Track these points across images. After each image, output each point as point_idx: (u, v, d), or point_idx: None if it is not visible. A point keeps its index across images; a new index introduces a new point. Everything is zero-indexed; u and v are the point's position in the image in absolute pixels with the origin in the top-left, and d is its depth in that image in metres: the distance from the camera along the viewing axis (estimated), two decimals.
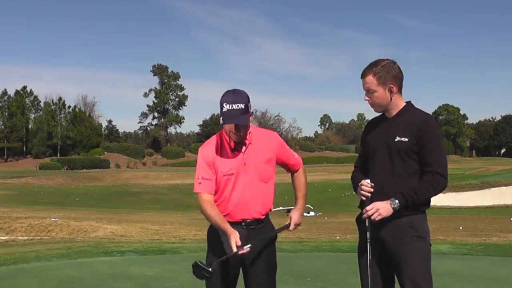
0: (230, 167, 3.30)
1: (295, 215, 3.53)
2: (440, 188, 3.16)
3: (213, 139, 3.43)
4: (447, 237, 12.27)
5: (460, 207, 31.57)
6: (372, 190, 3.23)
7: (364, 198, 3.26)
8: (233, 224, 3.33)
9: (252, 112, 3.31)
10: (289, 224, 3.49)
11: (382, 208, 3.12)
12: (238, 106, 3.17)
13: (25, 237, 15.66)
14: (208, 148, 3.40)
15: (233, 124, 3.19)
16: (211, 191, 3.34)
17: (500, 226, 17.97)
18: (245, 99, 3.21)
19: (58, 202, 35.04)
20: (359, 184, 3.29)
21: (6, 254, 9.27)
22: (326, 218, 25.11)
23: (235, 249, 3.16)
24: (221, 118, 3.20)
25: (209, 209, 3.30)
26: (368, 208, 3.16)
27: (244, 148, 3.34)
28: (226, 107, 3.17)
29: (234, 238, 3.16)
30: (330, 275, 6.88)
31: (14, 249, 10.37)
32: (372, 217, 3.14)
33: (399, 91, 3.28)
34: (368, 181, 3.26)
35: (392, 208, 3.11)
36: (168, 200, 38.97)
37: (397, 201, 3.11)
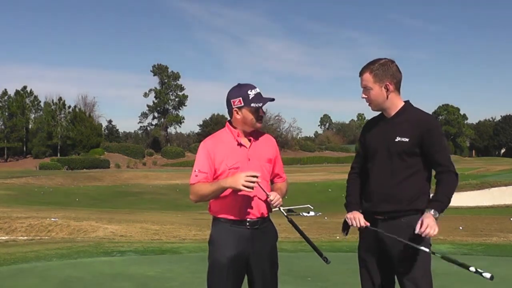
0: (236, 161, 3.32)
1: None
2: (456, 185, 3.19)
3: (219, 134, 3.46)
4: (447, 237, 12.27)
5: (460, 207, 31.55)
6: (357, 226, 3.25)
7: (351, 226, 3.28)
8: (237, 223, 3.32)
9: None
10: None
11: (433, 227, 3.00)
12: (258, 90, 3.36)
13: (25, 237, 15.67)
14: (212, 141, 3.42)
15: (261, 105, 3.32)
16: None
17: (500, 226, 17.98)
18: None
19: (58, 202, 35.06)
20: (351, 216, 3.27)
21: (6, 254, 9.27)
22: (326, 218, 25.11)
23: (256, 180, 3.12)
24: (251, 104, 3.30)
25: (206, 184, 3.31)
26: (422, 229, 3.00)
27: (248, 144, 3.39)
28: (252, 92, 3.32)
29: (244, 173, 3.15)
30: (330, 275, 6.87)
31: (14, 249, 10.38)
32: (430, 234, 3.02)
33: (397, 90, 3.28)
34: (363, 221, 3.23)
35: (435, 218, 3.07)
36: (168, 200, 38.99)
37: (432, 211, 3.05)
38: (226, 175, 3.30)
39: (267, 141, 3.50)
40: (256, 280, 3.38)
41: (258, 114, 3.35)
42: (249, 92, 3.31)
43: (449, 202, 3.13)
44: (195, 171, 3.36)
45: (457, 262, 3.06)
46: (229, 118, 3.45)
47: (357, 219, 3.25)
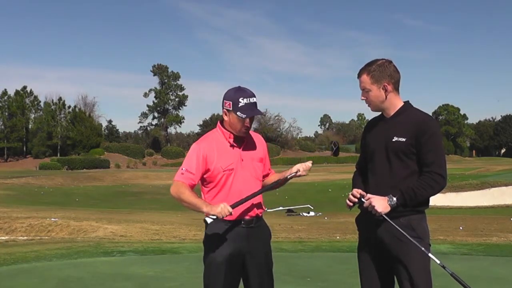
0: (230, 162, 3.34)
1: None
2: (439, 188, 3.16)
3: (211, 135, 3.46)
4: (447, 237, 12.27)
5: (460, 207, 31.52)
6: (356, 200, 3.25)
7: (350, 204, 3.28)
8: (232, 222, 3.34)
9: None
10: (296, 171, 3.44)
11: (378, 205, 3.12)
12: (253, 100, 3.33)
13: (25, 237, 15.66)
14: (206, 143, 3.42)
15: (244, 117, 3.28)
16: (190, 184, 3.33)
17: (500, 226, 17.96)
18: (254, 94, 3.37)
19: (58, 202, 35.02)
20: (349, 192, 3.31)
21: (6, 254, 9.27)
22: (326, 218, 25.08)
23: (231, 210, 3.18)
24: (237, 112, 3.28)
25: (189, 192, 3.27)
26: (366, 203, 3.17)
27: (241, 144, 3.40)
28: (243, 101, 3.29)
29: (226, 207, 3.16)
30: (330, 275, 6.88)
31: (14, 249, 10.37)
32: (370, 209, 3.16)
33: (395, 90, 3.28)
34: (359, 190, 3.26)
35: (389, 205, 3.12)
36: (168, 200, 38.86)
37: (394, 198, 3.12)
38: (220, 177, 3.33)
39: (257, 141, 3.54)
40: (252, 278, 3.39)
41: (243, 123, 3.33)
42: (240, 99, 3.28)
43: (416, 197, 3.11)
44: (182, 169, 3.36)
45: (465, 284, 3.10)
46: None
47: (353, 191, 3.28)
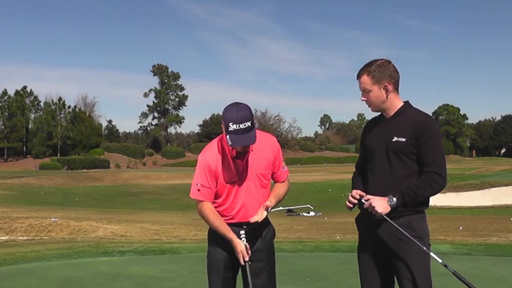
0: (233, 175, 3.32)
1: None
2: (439, 188, 3.15)
3: (215, 146, 3.40)
4: (447, 237, 12.28)
5: (460, 207, 31.55)
6: (356, 202, 3.24)
7: (350, 205, 3.27)
8: (234, 225, 3.37)
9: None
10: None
11: (378, 205, 3.12)
12: (245, 125, 3.12)
13: (25, 237, 15.66)
14: (210, 155, 3.36)
15: (230, 144, 3.17)
16: (211, 199, 3.34)
17: (500, 226, 17.97)
18: (250, 114, 3.18)
19: (58, 202, 35.05)
20: (349, 193, 3.31)
21: (6, 254, 9.27)
22: (326, 218, 25.10)
23: (242, 263, 3.27)
24: (227, 136, 3.15)
25: (213, 217, 3.33)
26: (366, 205, 3.17)
27: (245, 155, 3.34)
28: (233, 127, 3.12)
29: (242, 252, 3.26)
30: (330, 275, 6.87)
31: (14, 249, 10.37)
32: (370, 210, 3.15)
33: (395, 90, 3.27)
34: (359, 191, 3.25)
35: (389, 205, 3.12)
36: (168, 200, 38.99)
37: (394, 198, 3.11)
38: (223, 189, 3.33)
39: (266, 144, 3.42)
40: (251, 276, 3.40)
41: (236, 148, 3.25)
42: (230, 124, 3.12)
43: (416, 197, 3.11)
44: (196, 184, 3.32)
45: (467, 282, 3.09)
46: None
47: (353, 192, 3.27)
